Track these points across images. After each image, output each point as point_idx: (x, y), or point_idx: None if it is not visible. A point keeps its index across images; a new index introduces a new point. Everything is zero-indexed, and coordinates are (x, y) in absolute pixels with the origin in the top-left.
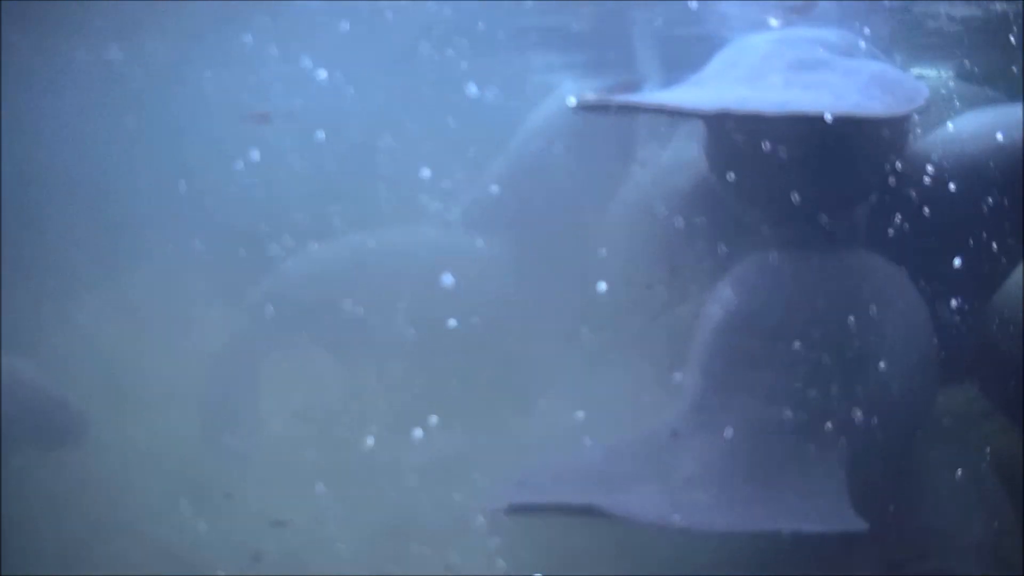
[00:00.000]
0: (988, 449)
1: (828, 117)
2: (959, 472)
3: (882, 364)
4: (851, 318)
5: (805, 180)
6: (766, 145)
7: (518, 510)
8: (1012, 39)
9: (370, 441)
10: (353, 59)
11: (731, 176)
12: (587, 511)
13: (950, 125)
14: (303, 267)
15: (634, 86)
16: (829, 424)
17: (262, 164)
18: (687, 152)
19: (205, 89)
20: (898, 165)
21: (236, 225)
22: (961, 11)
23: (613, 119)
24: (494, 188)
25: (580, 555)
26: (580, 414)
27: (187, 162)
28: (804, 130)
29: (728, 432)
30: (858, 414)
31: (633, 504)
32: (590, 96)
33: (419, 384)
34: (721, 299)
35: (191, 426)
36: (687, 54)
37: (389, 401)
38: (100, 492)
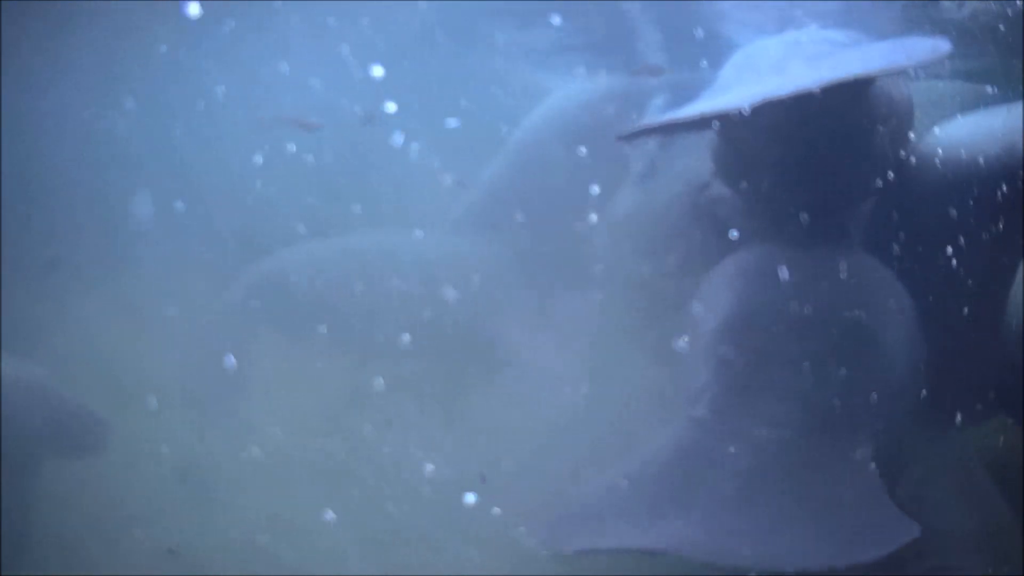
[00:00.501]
0: (987, 447)
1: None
2: (958, 471)
3: (881, 361)
4: (850, 315)
5: (810, 178)
6: (777, 143)
7: (578, 553)
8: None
9: (367, 442)
10: (347, 59)
11: (739, 177)
12: (651, 552)
13: (950, 126)
14: (290, 262)
15: (655, 71)
16: (849, 422)
17: (262, 165)
18: (687, 156)
19: (206, 89)
20: (899, 164)
21: (235, 225)
22: (961, 11)
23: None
24: (493, 189)
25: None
26: (582, 417)
27: (188, 162)
28: (813, 124)
29: (753, 437)
30: (867, 411)
31: (700, 545)
32: (630, 128)
33: (414, 385)
34: (718, 295)
35: (191, 425)
36: (690, 47)
37: (382, 403)
38: (100, 492)
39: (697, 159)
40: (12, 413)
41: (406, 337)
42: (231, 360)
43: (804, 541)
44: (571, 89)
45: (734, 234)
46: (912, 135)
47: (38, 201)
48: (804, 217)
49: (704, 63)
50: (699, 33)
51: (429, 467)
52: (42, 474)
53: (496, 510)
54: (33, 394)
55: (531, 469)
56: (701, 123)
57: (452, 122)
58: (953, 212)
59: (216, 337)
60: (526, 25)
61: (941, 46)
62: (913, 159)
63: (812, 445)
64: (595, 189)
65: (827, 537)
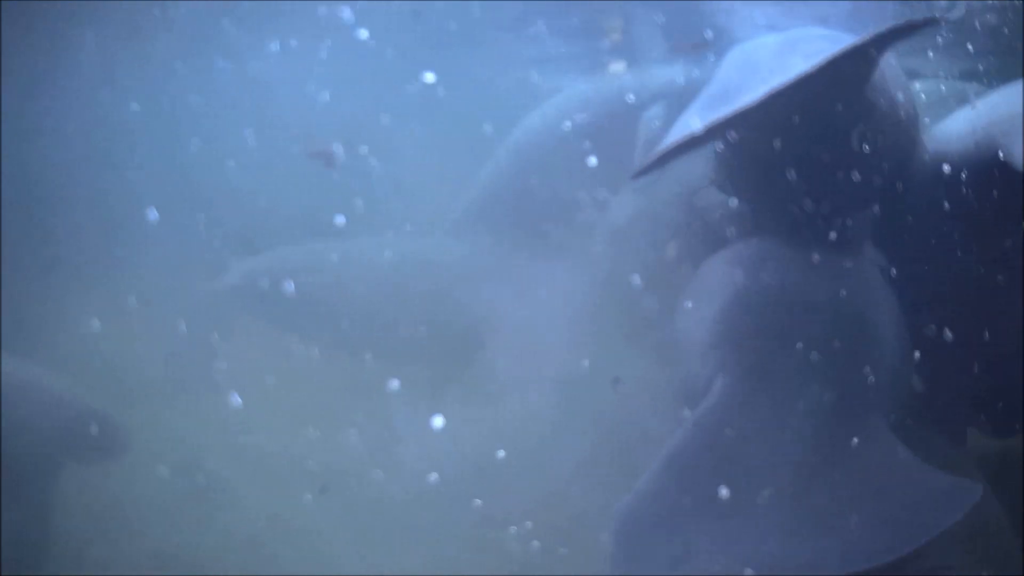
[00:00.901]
0: (986, 448)
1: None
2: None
3: (885, 351)
4: (849, 300)
5: (809, 181)
6: (774, 146)
7: None
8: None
9: (366, 442)
10: (340, 59)
11: (735, 179)
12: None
13: (947, 124)
14: (286, 261)
15: (700, 47)
16: (865, 405)
17: (263, 165)
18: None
19: (206, 88)
20: (900, 165)
21: (235, 225)
22: (954, 11)
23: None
24: (491, 190)
25: (585, 553)
26: (582, 415)
27: (188, 162)
28: (811, 125)
29: (775, 428)
30: (878, 396)
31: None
32: (642, 164)
33: (413, 385)
34: (718, 282)
35: (191, 425)
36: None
37: (381, 404)
38: (101, 492)
39: (693, 161)
40: (33, 419)
41: (404, 338)
42: (227, 359)
43: (871, 530)
44: (571, 90)
45: (729, 235)
46: (915, 136)
47: (38, 201)
48: (801, 220)
49: (712, 58)
50: (701, 32)
51: (428, 467)
52: (61, 479)
53: (494, 512)
54: (52, 400)
55: (531, 468)
56: (707, 136)
57: (430, 77)
58: (952, 211)
59: (214, 336)
60: (525, 25)
61: (932, 15)
62: (913, 159)
63: (837, 430)
64: (594, 190)
65: (892, 520)
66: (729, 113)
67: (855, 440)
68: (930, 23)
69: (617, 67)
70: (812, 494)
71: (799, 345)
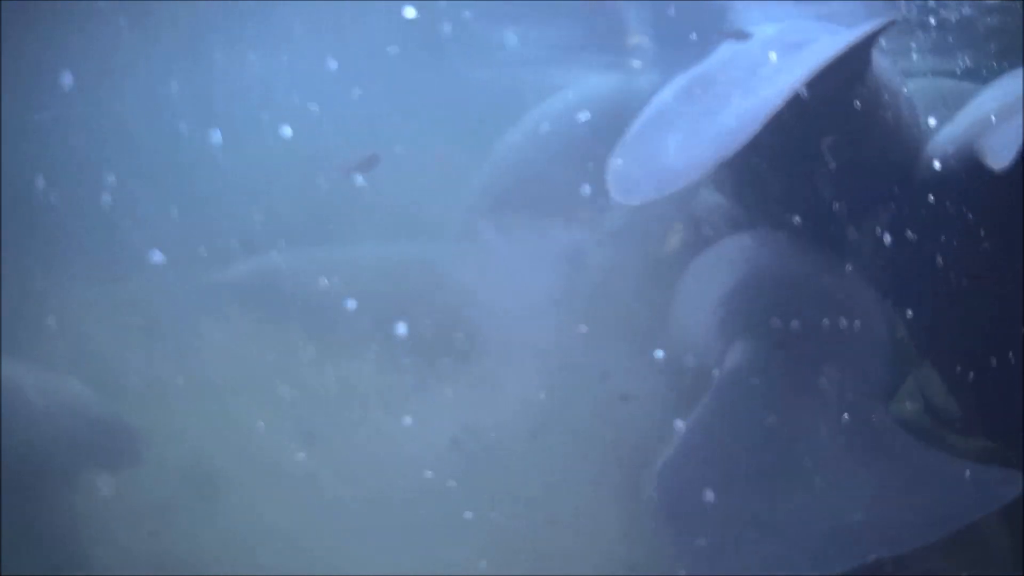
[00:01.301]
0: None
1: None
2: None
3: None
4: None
5: (808, 184)
6: (771, 154)
7: None
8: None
9: (368, 443)
10: (340, 59)
11: (732, 184)
12: None
13: (950, 125)
14: (282, 262)
15: (741, 36)
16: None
17: (266, 168)
18: None
19: (207, 88)
20: (906, 168)
21: (237, 227)
22: (960, 11)
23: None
24: (492, 193)
25: (576, 556)
26: (586, 416)
27: (191, 163)
28: (808, 131)
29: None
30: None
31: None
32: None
33: (414, 386)
34: (724, 265)
35: (192, 426)
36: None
37: (381, 405)
38: (101, 492)
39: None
40: (51, 425)
41: (406, 338)
42: (227, 359)
43: (910, 513)
44: (571, 89)
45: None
46: (913, 138)
47: (38, 201)
48: (798, 222)
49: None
50: (695, 32)
51: (428, 467)
52: (71, 483)
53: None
54: (71, 406)
55: (531, 465)
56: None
57: (392, 49)
58: (944, 211)
59: (214, 337)
60: (525, 24)
61: (884, 20)
62: (913, 160)
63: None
64: (594, 189)
65: (927, 505)
66: (710, 160)
67: (863, 422)
68: (887, 26)
69: (634, 64)
70: (840, 465)
71: (799, 323)
